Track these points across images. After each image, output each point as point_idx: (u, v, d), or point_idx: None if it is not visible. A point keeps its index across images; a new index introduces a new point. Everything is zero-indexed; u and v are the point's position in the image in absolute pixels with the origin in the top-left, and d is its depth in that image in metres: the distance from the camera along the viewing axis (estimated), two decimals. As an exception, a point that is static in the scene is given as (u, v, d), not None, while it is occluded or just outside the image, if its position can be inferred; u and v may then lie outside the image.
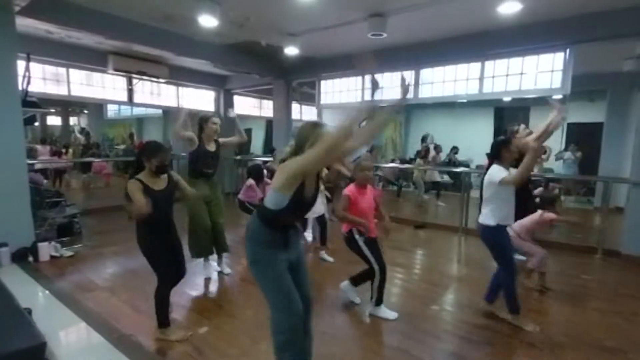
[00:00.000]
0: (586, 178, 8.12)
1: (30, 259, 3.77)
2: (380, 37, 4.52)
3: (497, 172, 2.50)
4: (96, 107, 13.14)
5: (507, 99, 8.15)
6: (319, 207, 3.89)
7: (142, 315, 2.69)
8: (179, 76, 7.32)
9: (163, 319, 2.41)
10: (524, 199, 3.32)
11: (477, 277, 3.68)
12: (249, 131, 12.46)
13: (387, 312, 2.74)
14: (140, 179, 2.35)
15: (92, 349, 2.31)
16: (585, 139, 8.38)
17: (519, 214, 2.85)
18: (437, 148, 8.07)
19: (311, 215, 3.96)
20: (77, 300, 2.94)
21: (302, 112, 10.77)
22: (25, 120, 4.41)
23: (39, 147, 9.15)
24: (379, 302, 2.75)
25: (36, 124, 12.18)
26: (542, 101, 8.21)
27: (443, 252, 4.53)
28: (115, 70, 6.33)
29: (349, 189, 2.70)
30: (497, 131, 10.29)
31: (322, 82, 6.97)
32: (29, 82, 4.08)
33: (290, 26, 4.86)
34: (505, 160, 2.55)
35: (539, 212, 3.29)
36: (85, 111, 14.45)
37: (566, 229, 5.09)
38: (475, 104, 8.81)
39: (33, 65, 5.72)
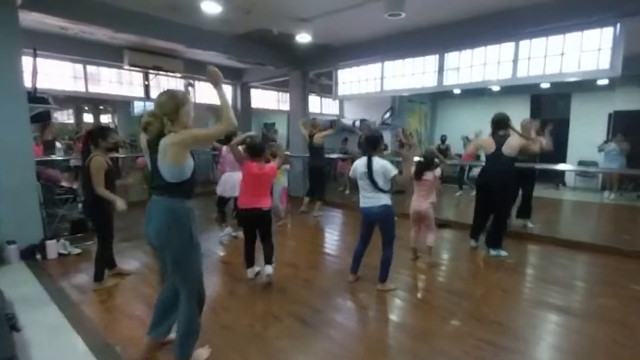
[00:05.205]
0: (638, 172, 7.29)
1: (38, 256, 3.76)
2: (398, 17, 4.10)
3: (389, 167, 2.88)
4: (123, 105, 13.44)
5: (545, 84, 7.45)
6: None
7: (133, 321, 2.55)
8: (194, 70, 7.21)
9: (100, 275, 3.06)
10: None
11: (505, 285, 3.26)
12: (272, 125, 12.26)
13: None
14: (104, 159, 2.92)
15: (74, 358, 2.16)
16: (635, 129, 7.49)
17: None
18: None
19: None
20: (72, 303, 2.83)
21: (322, 105, 10.47)
22: (36, 117, 4.40)
23: None
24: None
25: (54, 120, 12.54)
26: (585, 86, 7.49)
27: (466, 256, 4.08)
28: (131, 65, 6.31)
29: None
30: (534, 121, 9.48)
31: (340, 72, 6.61)
32: (35, 78, 4.03)
33: (300, 10, 4.55)
34: (378, 152, 2.96)
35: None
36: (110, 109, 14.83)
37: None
38: (508, 91, 8.11)
39: (52, 62, 5.81)
